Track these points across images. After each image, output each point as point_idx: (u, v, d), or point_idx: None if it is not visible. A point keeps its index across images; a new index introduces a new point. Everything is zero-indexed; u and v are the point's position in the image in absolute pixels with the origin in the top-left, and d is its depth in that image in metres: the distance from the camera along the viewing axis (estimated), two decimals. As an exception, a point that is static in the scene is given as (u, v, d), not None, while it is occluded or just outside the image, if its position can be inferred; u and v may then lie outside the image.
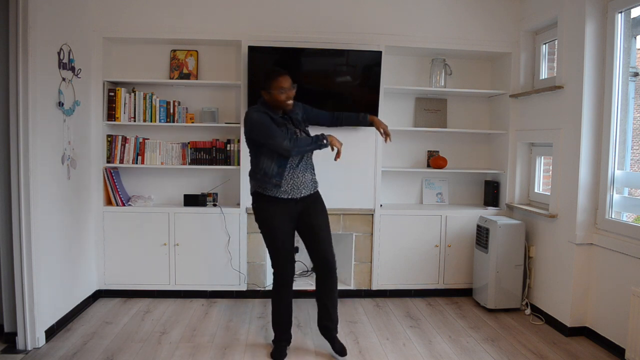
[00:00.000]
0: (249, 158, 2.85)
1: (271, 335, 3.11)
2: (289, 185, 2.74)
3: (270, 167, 2.73)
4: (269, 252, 2.86)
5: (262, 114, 2.69)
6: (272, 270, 2.89)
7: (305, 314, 3.46)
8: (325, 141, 2.68)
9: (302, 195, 2.78)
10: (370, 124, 3.03)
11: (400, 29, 3.75)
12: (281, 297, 2.86)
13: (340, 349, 2.83)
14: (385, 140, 2.98)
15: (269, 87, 2.70)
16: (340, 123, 3.07)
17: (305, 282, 3.90)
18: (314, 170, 2.89)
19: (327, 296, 2.86)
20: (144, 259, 3.71)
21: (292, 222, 2.82)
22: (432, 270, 3.90)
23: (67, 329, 3.17)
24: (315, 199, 2.88)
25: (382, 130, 2.97)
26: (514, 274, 3.59)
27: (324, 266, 2.82)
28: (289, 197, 2.75)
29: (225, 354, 2.86)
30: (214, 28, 3.65)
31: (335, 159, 2.71)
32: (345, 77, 3.69)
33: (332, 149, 2.71)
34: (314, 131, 2.90)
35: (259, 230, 2.86)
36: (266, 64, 3.61)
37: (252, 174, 2.82)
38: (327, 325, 2.88)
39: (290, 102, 2.74)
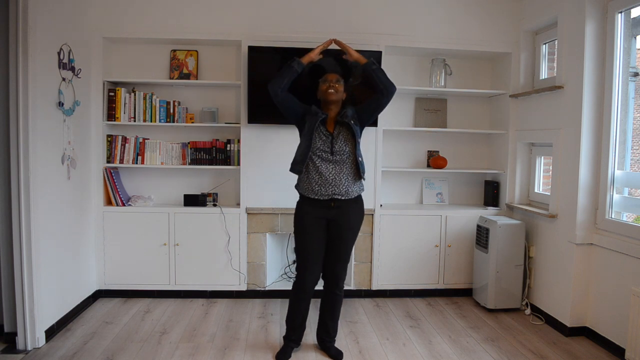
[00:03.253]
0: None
1: (271, 335, 3.12)
2: (317, 183, 2.68)
3: (298, 152, 2.78)
4: (296, 253, 2.83)
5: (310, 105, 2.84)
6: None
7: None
8: (294, 63, 2.77)
9: (332, 197, 2.68)
10: (360, 68, 2.91)
11: (400, 29, 3.75)
12: (296, 299, 2.83)
13: (335, 354, 2.84)
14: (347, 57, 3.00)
15: (319, 82, 2.83)
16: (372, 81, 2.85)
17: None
18: (357, 174, 2.73)
19: (328, 311, 2.87)
20: (144, 259, 3.71)
21: (322, 226, 2.76)
22: (432, 270, 3.90)
23: (67, 329, 3.17)
24: (351, 209, 2.75)
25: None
26: (514, 274, 3.59)
27: (331, 284, 2.83)
28: (316, 197, 2.69)
29: (225, 354, 2.86)
30: (214, 28, 3.65)
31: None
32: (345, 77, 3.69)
33: (313, 60, 2.90)
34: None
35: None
36: (266, 64, 3.61)
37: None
38: (324, 338, 2.91)
39: (332, 91, 2.74)
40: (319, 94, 2.81)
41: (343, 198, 2.71)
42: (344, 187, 2.70)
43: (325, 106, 2.79)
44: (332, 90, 2.74)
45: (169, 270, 3.73)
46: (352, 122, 2.74)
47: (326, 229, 2.77)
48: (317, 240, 2.75)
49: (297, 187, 2.81)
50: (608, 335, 2.99)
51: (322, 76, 2.83)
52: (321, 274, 2.84)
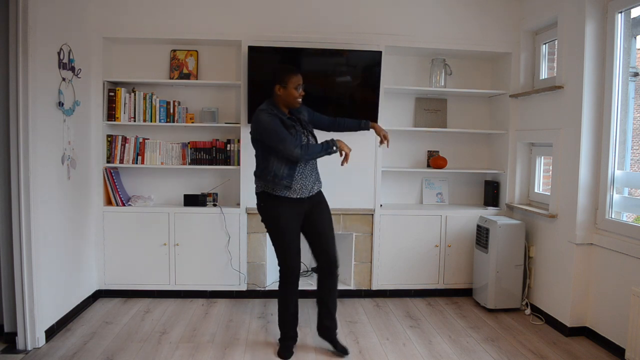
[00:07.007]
0: (254, 157, 2.86)
1: (271, 335, 3.12)
2: (299, 185, 2.75)
3: (280, 169, 2.72)
4: (277, 251, 2.84)
5: (273, 117, 2.68)
6: (277, 269, 2.89)
7: (305, 313, 3.45)
8: (335, 147, 2.69)
9: (310, 194, 2.81)
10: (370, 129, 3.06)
11: (400, 29, 3.75)
12: (288, 295, 2.85)
13: (342, 349, 2.85)
14: (387, 145, 2.98)
15: (286, 82, 2.71)
16: (339, 128, 3.06)
17: (304, 282, 3.89)
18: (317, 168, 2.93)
19: (328, 295, 2.87)
20: (144, 259, 3.71)
21: (300, 220, 2.83)
22: (432, 270, 3.90)
23: (67, 329, 3.17)
24: (321, 197, 2.93)
25: (382, 135, 2.95)
26: (514, 274, 3.59)
27: (328, 264, 2.84)
28: (298, 196, 2.77)
29: (225, 354, 2.86)
30: (214, 28, 3.65)
31: (342, 164, 2.71)
32: (345, 77, 3.69)
33: (341, 154, 2.72)
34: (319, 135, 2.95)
35: (265, 230, 2.88)
36: (266, 64, 3.61)
37: (260, 175, 2.79)
38: (329, 326, 2.88)
39: (300, 100, 2.79)
40: (283, 92, 2.72)
41: (317, 192, 2.88)
42: (317, 184, 2.89)
43: (284, 107, 2.79)
44: (301, 100, 2.80)
45: (169, 270, 3.73)
46: (308, 129, 2.87)
47: (302, 219, 2.83)
48: (295, 230, 2.82)
49: (265, 189, 2.77)
50: (608, 335, 2.99)
51: (295, 74, 2.74)
52: (317, 261, 2.89)
